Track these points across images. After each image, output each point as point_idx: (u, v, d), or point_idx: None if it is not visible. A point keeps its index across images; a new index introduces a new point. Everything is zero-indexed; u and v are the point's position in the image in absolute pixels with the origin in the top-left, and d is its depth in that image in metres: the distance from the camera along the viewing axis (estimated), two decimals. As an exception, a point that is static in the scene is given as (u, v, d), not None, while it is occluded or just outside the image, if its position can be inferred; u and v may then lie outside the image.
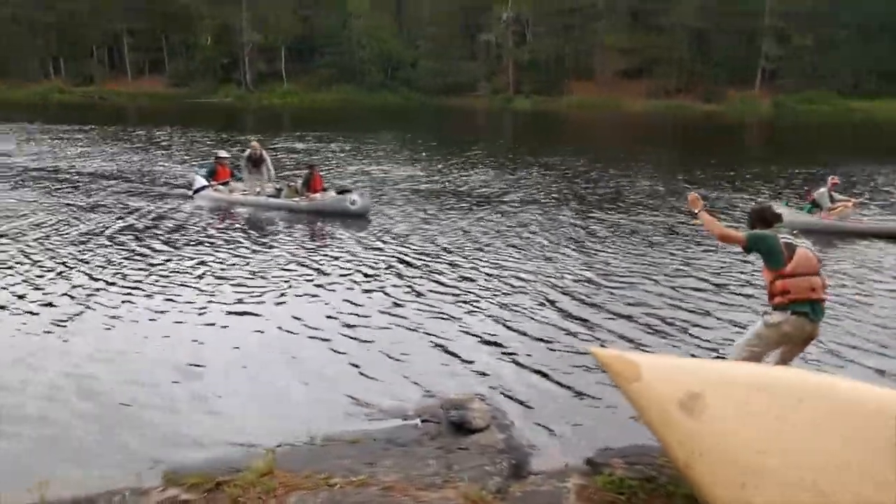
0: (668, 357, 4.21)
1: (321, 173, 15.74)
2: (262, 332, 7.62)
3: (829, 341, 7.39)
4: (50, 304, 8.37)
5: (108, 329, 7.66)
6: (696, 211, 5.30)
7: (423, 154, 25.57)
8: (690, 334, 7.67)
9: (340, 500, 4.21)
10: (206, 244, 11.59)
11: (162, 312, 8.18)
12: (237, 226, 13.24)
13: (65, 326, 7.67)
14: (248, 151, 15.32)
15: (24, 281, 9.23)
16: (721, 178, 20.42)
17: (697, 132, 41.51)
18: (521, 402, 5.90)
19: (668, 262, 10.81)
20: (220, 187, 15.44)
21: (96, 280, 9.34)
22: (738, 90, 60.44)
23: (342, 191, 14.52)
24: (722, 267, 10.54)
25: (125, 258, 10.46)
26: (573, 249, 11.49)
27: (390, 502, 4.15)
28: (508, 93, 67.83)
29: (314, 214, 14.08)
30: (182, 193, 16.20)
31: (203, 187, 15.42)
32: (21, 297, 8.61)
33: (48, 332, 7.48)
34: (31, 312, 8.11)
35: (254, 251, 11.11)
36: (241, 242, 11.76)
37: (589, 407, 5.87)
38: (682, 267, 10.53)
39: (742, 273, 10.15)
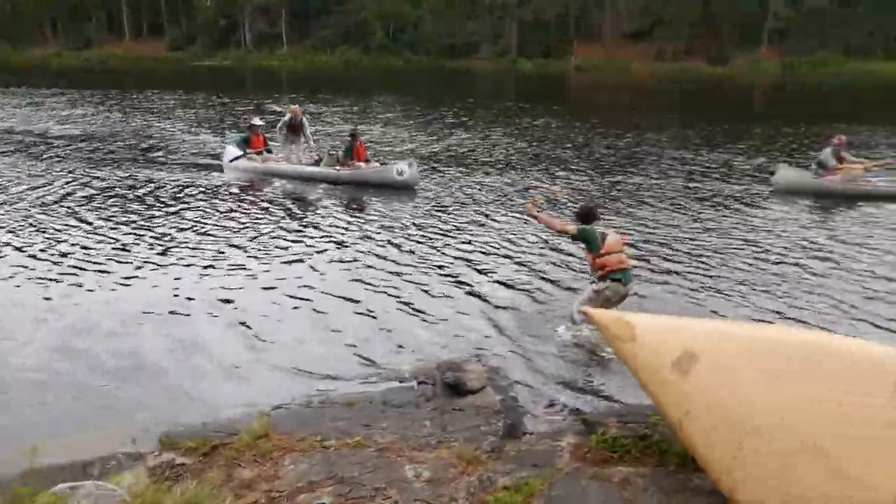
0: (662, 317, 4.15)
1: (364, 142, 14.81)
2: (265, 297, 7.60)
3: (829, 304, 7.37)
4: (62, 270, 8.39)
5: (112, 292, 7.68)
6: (534, 214, 6.80)
7: (435, 119, 25.22)
8: (687, 295, 7.67)
9: (335, 461, 4.22)
10: (234, 215, 11.17)
11: (166, 277, 8.19)
12: (271, 197, 12.61)
13: (69, 292, 7.70)
14: (287, 116, 14.41)
15: (47, 248, 9.24)
16: (728, 140, 20.20)
17: (704, 95, 40.97)
18: (517, 364, 5.90)
19: (668, 223, 10.75)
20: (255, 156, 14.54)
21: (107, 245, 9.37)
22: (746, 52, 59.51)
23: (384, 163, 13.93)
24: (720, 227, 10.48)
25: (143, 227, 10.31)
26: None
27: (385, 463, 4.17)
28: (512, 55, 66.97)
29: (357, 185, 13.31)
30: (209, 164, 15.55)
31: (237, 157, 14.53)
32: (38, 260, 8.71)
33: (49, 297, 7.51)
34: (48, 277, 8.15)
35: (282, 221, 10.78)
36: (271, 213, 11.35)
37: (585, 368, 5.87)
38: (683, 227, 10.48)
39: (739, 234, 10.10)
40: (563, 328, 6.52)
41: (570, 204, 11.45)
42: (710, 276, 8.27)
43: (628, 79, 52.57)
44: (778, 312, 7.16)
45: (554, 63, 63.10)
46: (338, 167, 13.65)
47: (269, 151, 14.87)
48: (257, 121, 15.38)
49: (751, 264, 8.70)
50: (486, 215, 11.13)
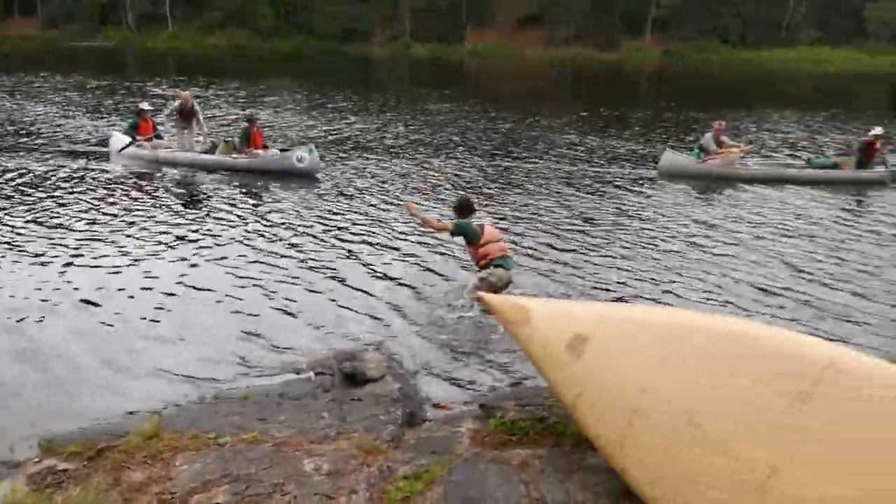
0: (557, 301, 4.27)
1: (260, 127, 14.24)
2: (153, 292, 7.26)
3: (713, 284, 7.77)
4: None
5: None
6: (412, 215, 7.13)
7: (328, 104, 24.72)
8: (576, 278, 7.87)
9: (230, 458, 4.10)
10: (121, 206, 10.50)
11: (44, 272, 7.72)
12: (161, 186, 11.96)
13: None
14: (176, 102, 13.66)
15: None
16: (615, 126, 20.88)
17: (593, 81, 42.13)
18: (415, 352, 5.90)
19: (556, 208, 10.99)
20: (145, 143, 13.75)
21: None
22: (632, 39, 61.57)
23: (284, 149, 13.41)
24: (608, 211, 10.84)
25: (17, 220, 9.62)
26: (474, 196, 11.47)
27: (283, 457, 4.08)
28: (406, 39, 66.73)
29: (255, 173, 12.87)
30: (90, 151, 14.62)
31: (127, 144, 13.70)
32: None
33: None
34: None
35: (173, 213, 10.29)
36: (162, 204, 10.76)
37: (481, 352, 5.92)
38: (571, 212, 10.75)
39: (626, 218, 10.47)
40: (456, 314, 6.57)
41: (458, 192, 11.56)
42: (599, 260, 8.51)
43: (521, 65, 53.40)
44: (665, 293, 7.49)
45: (448, 48, 63.30)
46: (234, 154, 13.18)
47: (158, 137, 14.15)
48: (146, 105, 14.60)
49: (637, 247, 9.04)
50: (383, 203, 11.04)
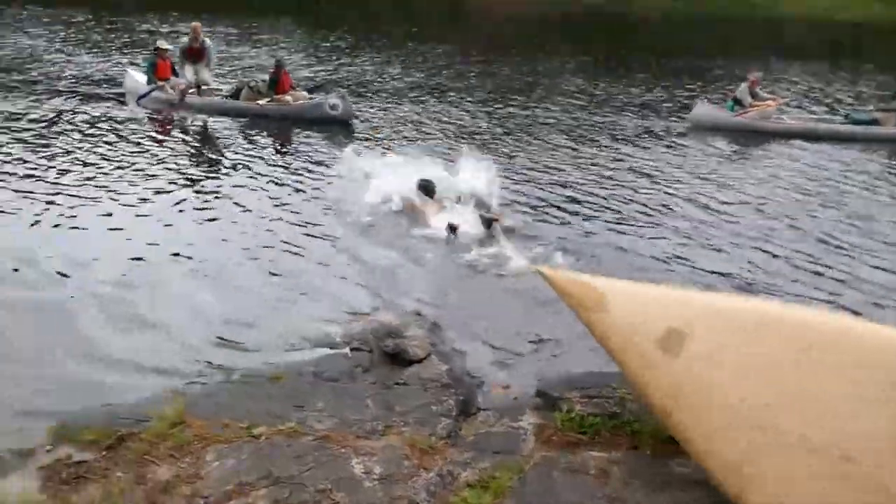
0: (638, 284, 3.74)
1: (287, 71, 13.28)
2: (170, 256, 6.66)
3: (750, 261, 7.14)
4: None
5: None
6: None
7: (325, 45, 23.80)
8: (597, 246, 7.21)
9: (268, 454, 3.65)
10: (137, 157, 9.79)
11: (56, 231, 7.14)
12: (185, 135, 11.14)
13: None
14: (186, 39, 12.87)
15: None
16: (629, 74, 20.04)
17: (601, 28, 40.77)
18: (459, 325, 5.40)
19: (583, 162, 10.34)
20: (169, 88, 12.83)
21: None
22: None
23: (312, 89, 12.75)
24: (638, 168, 10.21)
25: (26, 170, 8.95)
26: (512, 148, 10.79)
27: (328, 456, 3.62)
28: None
29: (283, 120, 12.20)
30: (99, 93, 13.65)
31: (149, 91, 12.83)
32: None
33: None
34: None
35: (191, 164, 9.64)
36: (186, 154, 10.08)
37: (535, 331, 5.38)
38: (600, 166, 10.15)
39: (660, 176, 9.87)
40: (505, 284, 6.05)
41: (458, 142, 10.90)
42: (620, 227, 7.85)
43: (521, 9, 51.71)
44: (695, 269, 6.80)
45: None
46: (261, 101, 12.41)
47: (175, 75, 13.22)
48: (164, 44, 13.50)
49: (664, 211, 8.42)
50: (419, 152, 10.30)
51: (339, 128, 11.89)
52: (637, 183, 9.45)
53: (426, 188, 7.83)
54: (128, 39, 22.18)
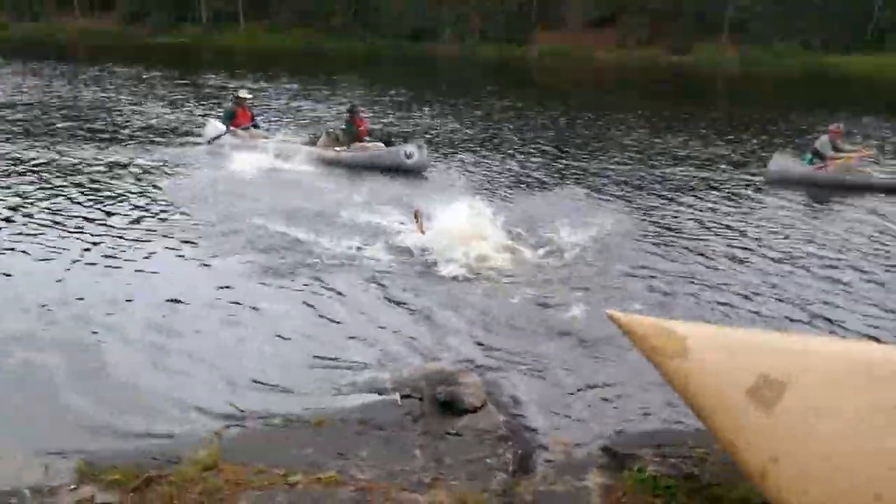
0: (725, 329, 3.32)
1: (365, 116, 13.23)
2: (218, 294, 6.46)
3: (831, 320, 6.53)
4: None
5: (37, 284, 6.57)
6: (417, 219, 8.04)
7: (395, 99, 24.06)
8: (690, 296, 6.73)
9: (304, 504, 3.30)
10: (204, 201, 9.63)
11: (109, 270, 7.03)
12: (256, 181, 11.01)
13: None
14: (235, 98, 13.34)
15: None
16: (702, 129, 19.54)
17: (671, 83, 40.48)
18: (517, 373, 4.99)
19: (655, 213, 9.90)
20: (241, 132, 12.92)
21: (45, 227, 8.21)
22: (706, 41, 59.35)
23: (385, 139, 12.53)
24: (713, 220, 9.70)
25: (81, 214, 8.93)
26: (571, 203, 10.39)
27: (367, 509, 3.25)
28: (475, 40, 65.89)
29: (357, 168, 11.90)
30: (186, 141, 14.03)
31: (221, 134, 12.95)
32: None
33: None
34: None
35: (258, 209, 9.23)
36: (253, 199, 9.82)
37: (600, 379, 4.95)
38: (674, 218, 9.68)
39: (736, 227, 9.34)
40: (570, 328, 5.63)
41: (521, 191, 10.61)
42: (711, 275, 7.36)
43: (592, 66, 51.99)
44: (803, 321, 6.28)
45: (517, 49, 62.28)
46: (337, 147, 12.30)
47: (255, 127, 13.40)
48: (244, 93, 13.66)
49: (753, 262, 7.87)
50: (487, 199, 9.90)
51: (413, 176, 11.67)
52: (711, 234, 8.94)
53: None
54: (192, 93, 22.95)
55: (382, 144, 12.50)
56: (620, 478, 3.52)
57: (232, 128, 13.03)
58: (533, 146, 15.42)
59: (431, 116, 20.09)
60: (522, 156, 14.15)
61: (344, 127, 12.65)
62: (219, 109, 16.54)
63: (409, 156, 11.81)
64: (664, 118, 21.07)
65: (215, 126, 13.42)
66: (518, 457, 3.81)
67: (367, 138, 12.58)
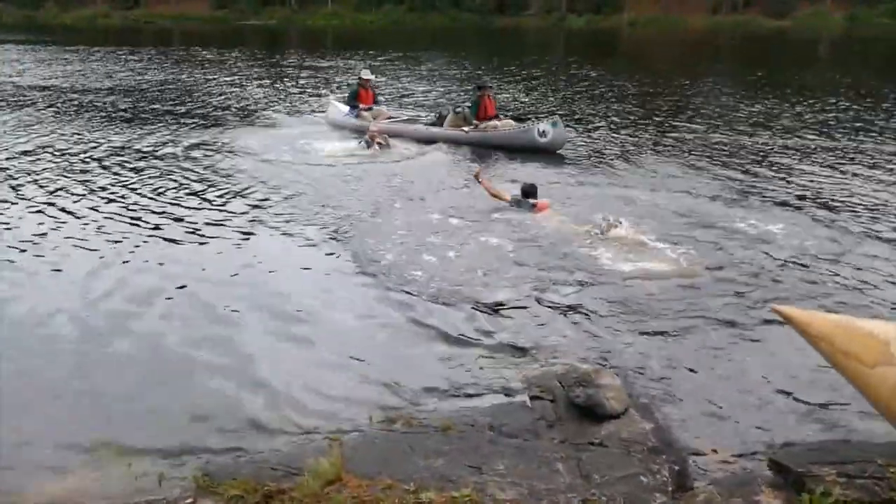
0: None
1: (492, 95, 12.60)
2: (341, 286, 6.15)
3: None
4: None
5: (149, 270, 6.51)
6: (480, 180, 8.26)
7: (481, 75, 23.53)
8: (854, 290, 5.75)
9: (440, 528, 2.95)
10: (328, 188, 9.30)
11: (220, 256, 6.94)
12: (382, 163, 10.68)
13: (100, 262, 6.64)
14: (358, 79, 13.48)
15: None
16: (822, 94, 18.27)
17: (770, 50, 38.33)
18: (662, 376, 4.46)
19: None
20: (365, 113, 12.91)
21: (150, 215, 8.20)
22: (808, 3, 55.90)
23: (516, 117, 12.18)
24: (860, 189, 8.84)
25: (207, 197, 8.89)
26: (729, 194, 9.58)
27: (514, 537, 2.88)
28: (562, 11, 64.22)
29: (486, 148, 11.48)
30: (306, 119, 14.32)
31: (348, 113, 13.16)
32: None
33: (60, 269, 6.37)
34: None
35: (389, 195, 8.89)
36: (379, 184, 9.49)
37: (760, 382, 4.36)
38: (822, 187, 8.90)
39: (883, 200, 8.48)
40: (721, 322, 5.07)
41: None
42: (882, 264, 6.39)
43: (684, 34, 49.80)
44: None
45: (605, 19, 60.46)
46: (465, 127, 11.83)
47: (377, 104, 13.52)
48: (367, 74, 13.82)
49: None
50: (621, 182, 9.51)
51: (546, 157, 10.98)
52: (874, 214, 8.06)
53: (527, 191, 8.02)
54: (276, 73, 23.19)
55: (513, 122, 12.02)
56: (798, 501, 3.02)
57: (359, 107, 13.09)
58: (666, 120, 14.63)
59: (527, 91, 19.50)
60: (648, 134, 13.31)
61: (470, 105, 12.19)
62: (338, 91, 16.67)
63: (542, 134, 11.14)
64: (779, 86, 19.83)
65: (337, 107, 13.48)
66: (675, 473, 3.35)
67: (501, 115, 12.18)
